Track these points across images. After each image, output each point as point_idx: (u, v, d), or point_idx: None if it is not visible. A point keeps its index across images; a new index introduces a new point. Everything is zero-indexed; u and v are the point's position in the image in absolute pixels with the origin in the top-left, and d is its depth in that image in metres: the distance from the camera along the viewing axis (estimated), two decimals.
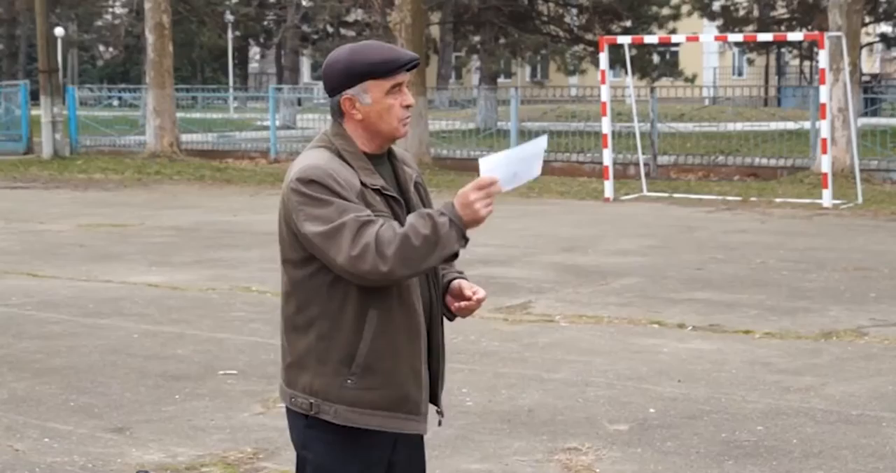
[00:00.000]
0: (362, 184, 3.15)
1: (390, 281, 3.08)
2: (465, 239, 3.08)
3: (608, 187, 17.28)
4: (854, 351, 7.67)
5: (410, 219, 3.08)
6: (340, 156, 3.18)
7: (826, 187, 15.87)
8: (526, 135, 23.05)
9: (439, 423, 3.42)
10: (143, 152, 24.48)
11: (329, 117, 3.31)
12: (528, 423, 6.11)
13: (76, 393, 6.73)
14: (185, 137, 25.44)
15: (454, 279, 3.35)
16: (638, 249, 12.18)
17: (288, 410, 3.30)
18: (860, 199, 16.26)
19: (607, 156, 17.46)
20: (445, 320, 3.39)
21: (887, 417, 6.18)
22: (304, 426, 3.23)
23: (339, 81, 3.18)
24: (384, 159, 3.28)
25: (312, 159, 3.17)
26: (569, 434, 5.93)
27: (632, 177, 19.57)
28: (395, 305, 3.17)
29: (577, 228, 14.05)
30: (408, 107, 3.22)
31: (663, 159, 21.24)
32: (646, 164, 19.57)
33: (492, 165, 3.06)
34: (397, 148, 3.40)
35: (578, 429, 6.00)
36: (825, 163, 15.97)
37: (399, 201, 3.22)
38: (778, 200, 16.59)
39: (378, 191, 3.18)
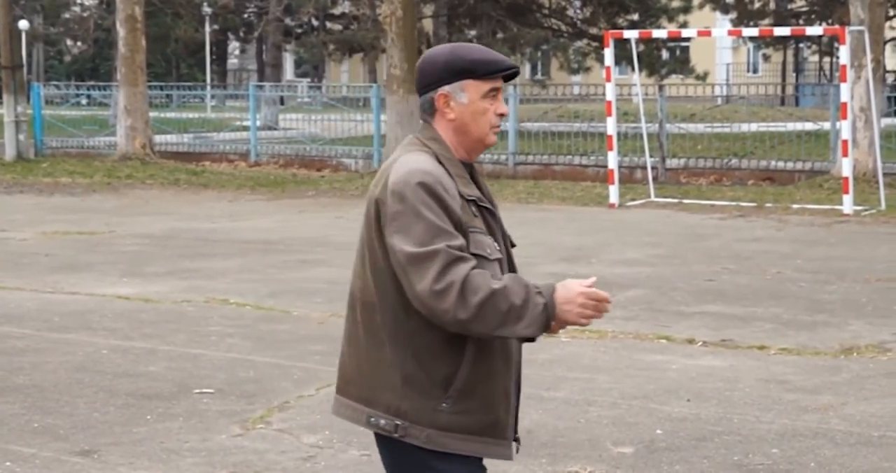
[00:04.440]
0: (460, 194, 3.14)
1: (460, 330, 3.04)
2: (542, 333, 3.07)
3: (613, 192, 17.31)
4: (876, 369, 7.69)
5: (507, 279, 3.04)
6: (439, 162, 3.17)
7: (847, 192, 15.91)
8: (525, 137, 23.10)
9: (517, 450, 3.36)
10: (113, 154, 24.49)
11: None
12: (527, 445, 6.09)
13: (40, 414, 6.73)
14: (158, 138, 25.44)
15: None
16: (645, 259, 12.21)
17: (376, 434, 3.25)
18: (883, 205, 16.30)
19: (612, 159, 17.49)
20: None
21: None
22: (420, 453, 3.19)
23: (438, 76, 3.22)
24: (472, 169, 3.29)
25: (420, 163, 3.14)
26: (570, 456, 5.94)
27: (638, 182, 19.61)
28: None
29: (579, 236, 14.07)
30: (501, 115, 3.24)
31: (672, 162, 21.27)
32: (654, 168, 19.61)
33: None
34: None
35: (580, 452, 6.01)
36: (846, 167, 16.01)
37: (494, 213, 3.23)
38: (795, 206, 16.63)
39: (474, 203, 3.17)
